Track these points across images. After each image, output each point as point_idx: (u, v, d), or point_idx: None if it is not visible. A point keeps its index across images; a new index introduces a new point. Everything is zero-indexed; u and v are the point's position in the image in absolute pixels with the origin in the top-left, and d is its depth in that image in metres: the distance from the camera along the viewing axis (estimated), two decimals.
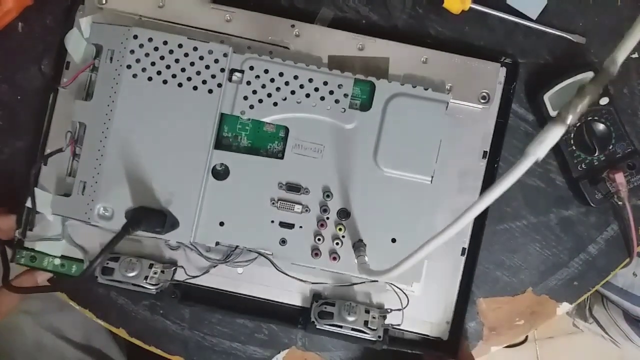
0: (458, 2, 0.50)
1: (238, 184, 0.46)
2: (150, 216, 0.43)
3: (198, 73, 0.45)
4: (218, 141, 0.47)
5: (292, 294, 0.49)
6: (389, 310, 0.48)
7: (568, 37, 0.53)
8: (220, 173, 0.46)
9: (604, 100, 0.49)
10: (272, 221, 0.46)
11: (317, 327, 0.46)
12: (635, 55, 0.54)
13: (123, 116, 0.45)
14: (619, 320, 0.87)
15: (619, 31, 0.54)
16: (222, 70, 0.45)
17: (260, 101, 0.46)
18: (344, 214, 0.46)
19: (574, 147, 0.50)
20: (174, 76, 0.45)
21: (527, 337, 0.93)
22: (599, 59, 0.53)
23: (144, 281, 0.45)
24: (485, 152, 0.49)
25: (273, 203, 0.46)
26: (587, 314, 0.96)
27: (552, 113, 0.50)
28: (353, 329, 0.46)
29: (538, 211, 0.51)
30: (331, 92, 0.46)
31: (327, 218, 0.46)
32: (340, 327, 0.46)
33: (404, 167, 0.45)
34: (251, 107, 0.46)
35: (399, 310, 0.48)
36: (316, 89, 0.46)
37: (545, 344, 1.09)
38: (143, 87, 0.45)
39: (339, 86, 0.46)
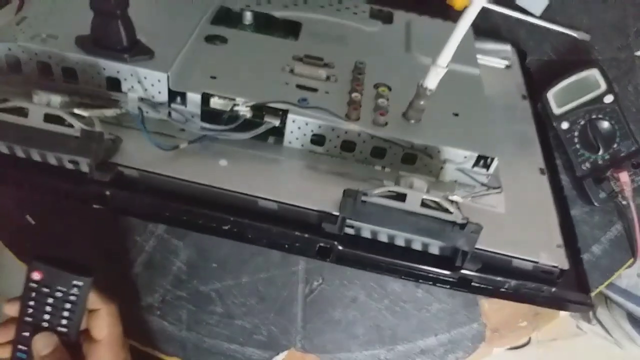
0: None
1: (238, 50, 0.39)
2: (112, 32, 0.33)
3: None
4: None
5: (307, 195, 0.33)
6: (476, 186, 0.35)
7: (572, 34, 0.52)
8: (217, 41, 0.40)
9: (609, 98, 0.48)
10: (287, 83, 0.37)
11: (364, 199, 0.31)
12: None
13: None
14: (623, 322, 0.87)
15: (623, 28, 0.53)
16: None
17: (269, 1, 0.44)
18: (384, 87, 0.39)
19: (578, 146, 0.49)
20: None
21: (530, 339, 0.92)
22: (603, 56, 0.53)
23: (66, 113, 0.31)
24: (524, 95, 0.48)
25: (286, 70, 0.38)
26: (591, 315, 0.95)
27: (556, 110, 0.49)
28: (423, 203, 0.31)
29: None
30: (347, 8, 0.46)
31: (363, 83, 0.38)
32: (403, 200, 0.31)
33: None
34: (258, 3, 0.43)
35: (486, 176, 0.35)
36: (330, 4, 0.46)
37: (548, 346, 1.08)
38: None
39: (355, 6, 0.46)
